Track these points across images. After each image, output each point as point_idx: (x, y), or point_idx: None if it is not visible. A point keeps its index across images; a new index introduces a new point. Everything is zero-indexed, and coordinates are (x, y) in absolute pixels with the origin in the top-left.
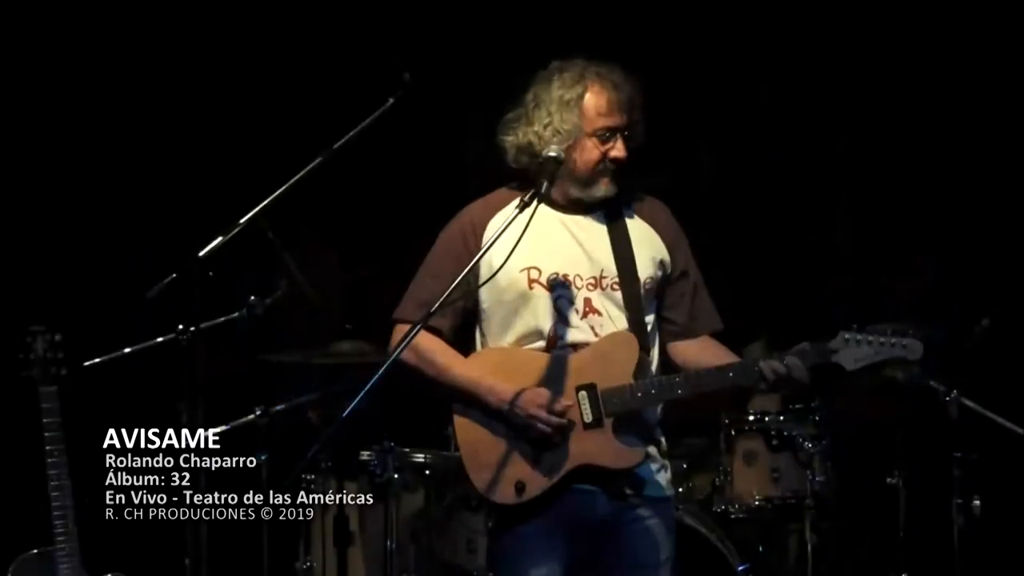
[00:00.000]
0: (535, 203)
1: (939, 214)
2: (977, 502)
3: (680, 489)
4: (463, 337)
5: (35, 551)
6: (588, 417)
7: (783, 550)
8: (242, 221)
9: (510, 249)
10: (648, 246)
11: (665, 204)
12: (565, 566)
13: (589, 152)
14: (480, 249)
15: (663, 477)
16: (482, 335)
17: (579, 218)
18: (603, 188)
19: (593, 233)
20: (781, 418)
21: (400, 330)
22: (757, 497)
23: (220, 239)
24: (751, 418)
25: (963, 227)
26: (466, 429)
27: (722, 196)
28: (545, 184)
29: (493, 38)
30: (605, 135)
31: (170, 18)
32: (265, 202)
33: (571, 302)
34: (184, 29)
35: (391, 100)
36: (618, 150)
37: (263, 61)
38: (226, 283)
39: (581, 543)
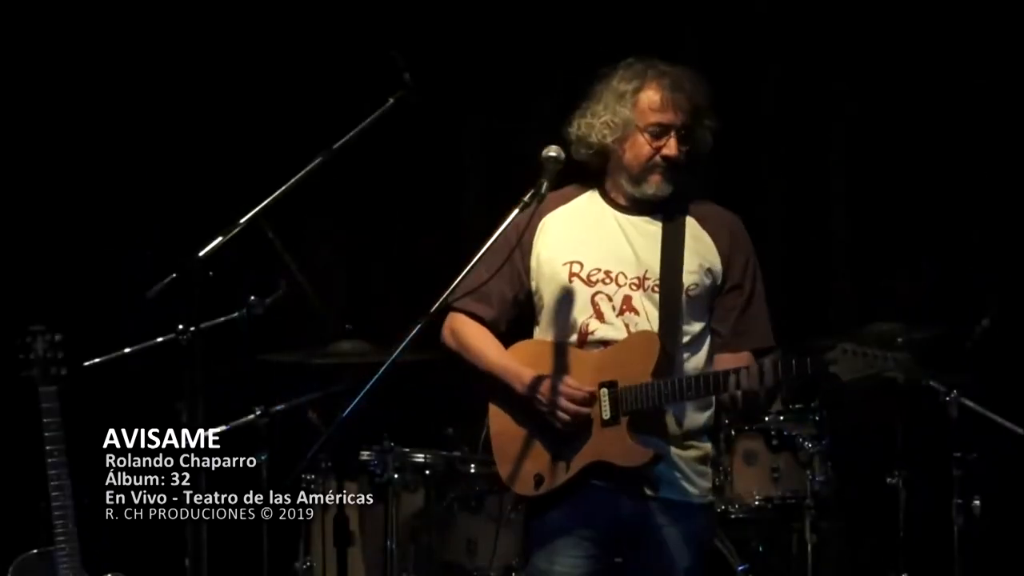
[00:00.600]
0: (535, 204)
1: (938, 214)
2: (977, 502)
3: None
4: (522, 331)
5: (35, 551)
6: (606, 414)
7: (783, 550)
8: (242, 221)
9: (553, 244)
10: (699, 253)
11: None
12: (591, 561)
13: (640, 147)
14: (533, 239)
15: (693, 482)
16: (536, 328)
17: (635, 217)
18: (654, 186)
19: (646, 233)
20: (781, 418)
21: (450, 316)
22: (757, 497)
23: (220, 239)
24: None
25: (963, 227)
26: (497, 420)
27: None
28: (545, 184)
29: (492, 40)
30: (656, 131)
31: (171, 18)
32: (265, 202)
33: (609, 299)
34: (184, 29)
35: (391, 100)
36: (670, 148)
37: (263, 61)
38: (226, 283)
39: (607, 541)
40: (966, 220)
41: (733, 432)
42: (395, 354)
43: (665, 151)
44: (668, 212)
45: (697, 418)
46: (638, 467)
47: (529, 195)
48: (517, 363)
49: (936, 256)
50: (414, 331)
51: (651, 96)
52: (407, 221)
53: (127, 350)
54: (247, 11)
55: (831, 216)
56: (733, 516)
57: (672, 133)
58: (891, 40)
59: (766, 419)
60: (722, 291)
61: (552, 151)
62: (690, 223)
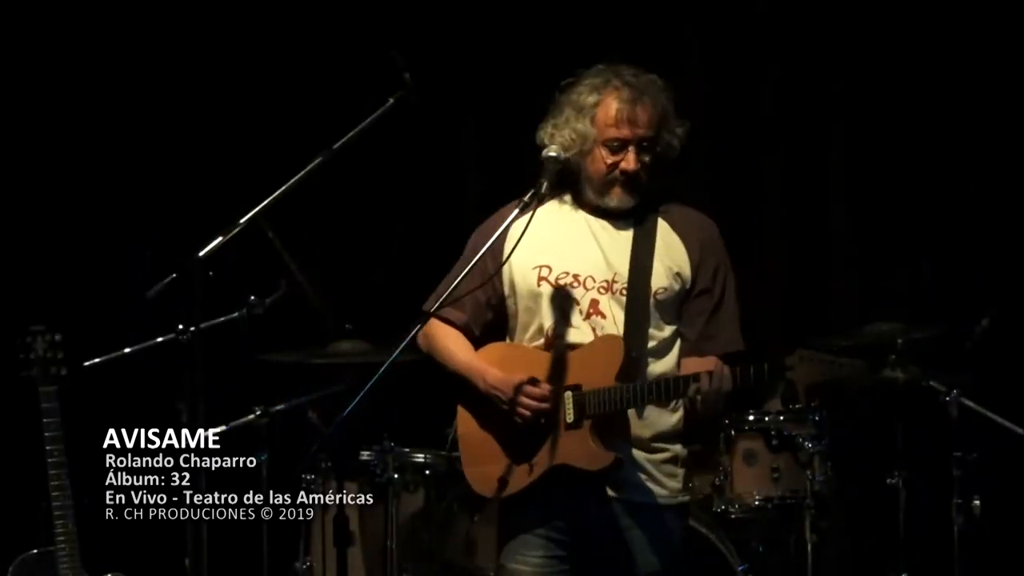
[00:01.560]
0: (535, 204)
1: (938, 214)
2: (977, 502)
3: None
4: (496, 335)
5: (35, 551)
6: (570, 417)
7: (783, 550)
8: (242, 221)
9: (523, 247)
10: (669, 257)
11: (713, 221)
12: (558, 561)
13: (599, 161)
14: (503, 243)
15: (661, 483)
16: (508, 332)
17: (605, 221)
18: (615, 199)
19: (616, 237)
20: (781, 418)
21: (425, 320)
22: (757, 497)
23: (220, 239)
24: (751, 418)
25: (962, 226)
26: (465, 422)
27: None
28: (545, 184)
29: (492, 39)
30: (615, 146)
31: (171, 18)
32: (265, 202)
33: (576, 302)
34: (185, 29)
35: (391, 100)
36: (628, 162)
37: (263, 61)
38: (226, 283)
39: (574, 543)
40: (966, 220)
41: (733, 432)
42: (395, 354)
43: (623, 165)
44: (640, 216)
45: (665, 420)
46: (601, 471)
47: (529, 195)
48: (483, 363)
49: (936, 256)
50: (414, 331)
51: (609, 111)
52: (407, 221)
53: (127, 350)
54: (247, 11)
55: (831, 216)
56: (733, 516)
57: (630, 148)
58: (891, 40)
59: (766, 419)
60: (691, 295)
61: (552, 151)
62: (662, 227)
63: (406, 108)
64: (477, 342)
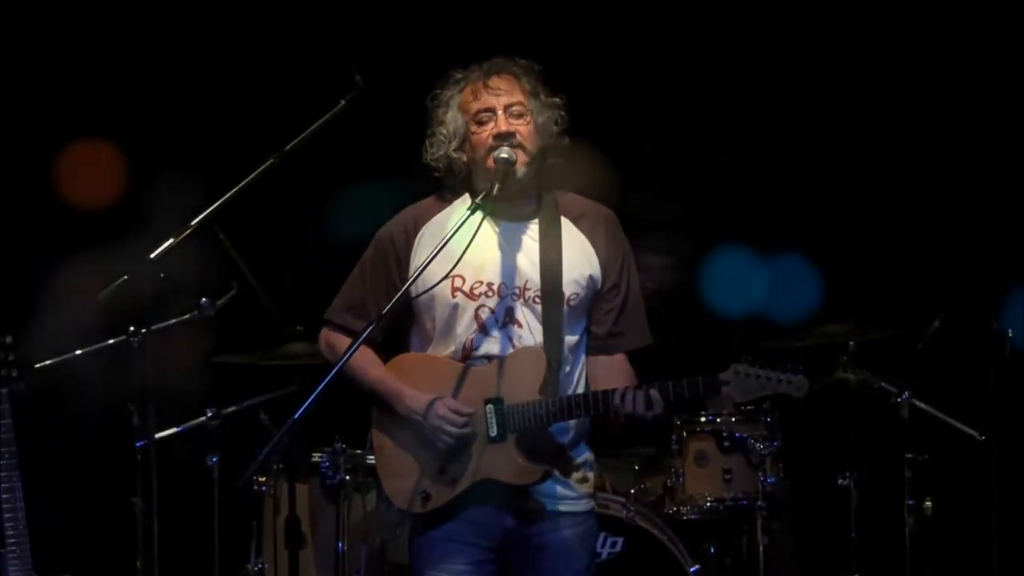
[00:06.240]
0: (487, 205)
1: (889, 216)
2: (928, 503)
3: (632, 491)
4: (397, 341)
5: None
6: (493, 431)
7: (734, 551)
8: (194, 223)
9: (434, 255)
10: (580, 260)
11: (615, 215)
12: (478, 566)
13: (475, 141)
14: (409, 252)
15: (576, 490)
16: (413, 340)
17: (512, 226)
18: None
19: (524, 242)
20: (733, 419)
21: (325, 330)
22: (709, 498)
23: (171, 241)
24: (703, 419)
25: (913, 228)
26: (381, 436)
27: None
28: (497, 186)
29: (444, 44)
30: (483, 118)
31: (122, 20)
32: (215, 205)
33: (492, 312)
34: (136, 31)
35: (342, 102)
36: (499, 124)
37: (216, 64)
38: (178, 284)
39: (491, 554)
40: (917, 223)
41: (685, 434)
42: (346, 356)
43: (494, 129)
44: (542, 214)
45: (576, 427)
46: (528, 485)
47: (481, 196)
48: (398, 381)
49: (888, 258)
50: (364, 333)
51: (470, 90)
52: (359, 222)
53: (78, 352)
54: (200, 13)
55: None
56: (685, 518)
57: (498, 113)
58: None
59: (718, 420)
60: (600, 294)
61: (504, 152)
62: (566, 226)
63: (358, 109)
64: (379, 349)
